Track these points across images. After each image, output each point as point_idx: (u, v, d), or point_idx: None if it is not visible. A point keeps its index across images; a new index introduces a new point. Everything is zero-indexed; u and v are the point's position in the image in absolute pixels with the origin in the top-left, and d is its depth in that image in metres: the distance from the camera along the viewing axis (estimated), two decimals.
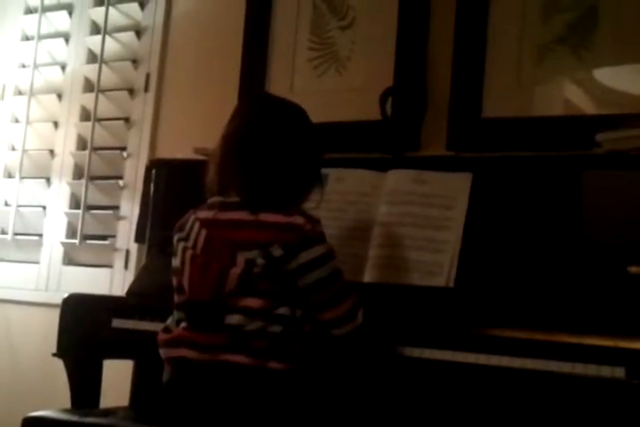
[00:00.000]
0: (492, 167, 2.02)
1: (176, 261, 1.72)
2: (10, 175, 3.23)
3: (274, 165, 1.68)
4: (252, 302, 1.61)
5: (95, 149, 3.00)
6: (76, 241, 2.96)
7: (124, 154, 2.96)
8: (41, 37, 3.21)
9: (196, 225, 1.70)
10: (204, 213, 1.71)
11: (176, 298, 1.72)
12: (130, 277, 2.76)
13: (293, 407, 1.64)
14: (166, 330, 1.72)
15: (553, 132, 2.19)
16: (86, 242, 2.97)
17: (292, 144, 1.70)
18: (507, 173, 2.00)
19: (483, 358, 1.63)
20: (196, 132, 2.73)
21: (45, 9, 3.23)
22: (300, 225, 1.62)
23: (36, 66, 3.19)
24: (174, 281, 1.73)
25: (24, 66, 3.26)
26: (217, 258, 1.64)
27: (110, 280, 2.88)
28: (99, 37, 3.04)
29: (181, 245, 1.71)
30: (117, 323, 2.10)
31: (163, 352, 1.70)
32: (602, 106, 2.18)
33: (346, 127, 2.46)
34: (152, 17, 2.98)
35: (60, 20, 3.20)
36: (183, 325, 1.68)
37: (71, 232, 3.02)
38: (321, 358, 1.73)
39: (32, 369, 2.94)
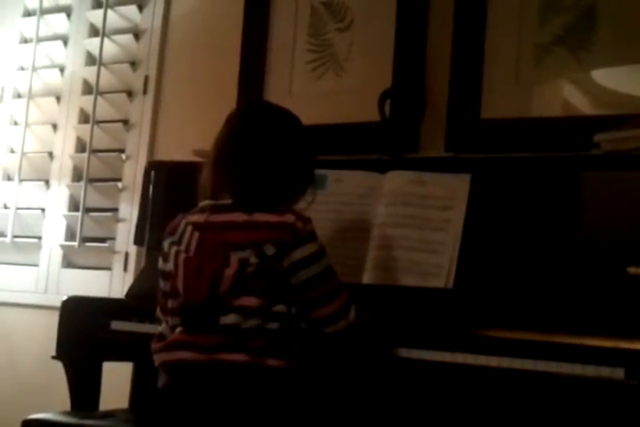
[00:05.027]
0: (490, 168, 2.02)
1: (169, 266, 1.72)
2: (9, 178, 3.23)
3: (266, 167, 1.70)
4: (248, 301, 1.61)
5: (94, 151, 3.00)
6: (75, 243, 2.95)
7: (123, 156, 2.96)
8: (39, 40, 3.21)
9: (189, 229, 1.71)
10: (195, 217, 1.72)
11: (170, 303, 1.71)
12: (129, 279, 2.76)
13: (292, 405, 1.64)
14: (161, 337, 1.71)
15: (551, 132, 2.19)
16: (85, 244, 2.97)
17: (282, 147, 1.72)
18: (505, 174, 2.00)
19: (482, 360, 1.63)
20: (195, 134, 2.73)
21: (44, 11, 3.23)
22: (291, 223, 1.63)
23: (34, 68, 3.19)
24: (166, 286, 1.73)
25: (23, 68, 3.26)
26: (210, 260, 1.65)
27: (109, 283, 2.88)
28: (97, 40, 3.04)
29: (174, 249, 1.71)
30: (116, 325, 2.10)
31: (158, 358, 1.70)
32: (600, 106, 2.18)
33: (344, 129, 2.46)
34: (150, 19, 2.98)
35: (58, 23, 3.20)
36: (179, 329, 1.68)
37: (70, 235, 3.02)
38: (320, 356, 1.73)
39: (31, 372, 2.94)
